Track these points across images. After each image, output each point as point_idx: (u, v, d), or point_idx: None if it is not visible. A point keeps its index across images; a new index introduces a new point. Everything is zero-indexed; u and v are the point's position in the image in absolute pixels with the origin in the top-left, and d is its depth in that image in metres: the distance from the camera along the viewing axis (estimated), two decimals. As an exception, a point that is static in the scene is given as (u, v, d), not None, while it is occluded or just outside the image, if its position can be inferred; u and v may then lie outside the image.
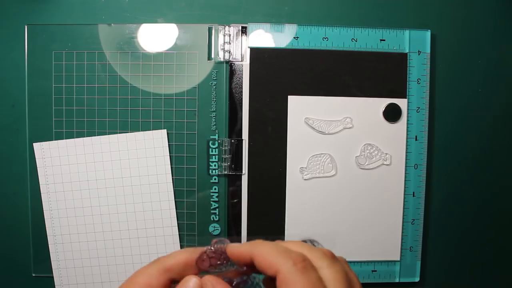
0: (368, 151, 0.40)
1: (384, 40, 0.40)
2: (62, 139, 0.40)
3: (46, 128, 0.40)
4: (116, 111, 0.40)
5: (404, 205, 0.41)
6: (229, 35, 0.40)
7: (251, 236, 0.41)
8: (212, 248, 0.25)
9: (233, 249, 0.25)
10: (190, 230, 0.41)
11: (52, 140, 0.40)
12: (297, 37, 0.40)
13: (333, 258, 0.24)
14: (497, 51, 0.42)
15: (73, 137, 0.40)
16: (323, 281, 0.23)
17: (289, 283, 0.23)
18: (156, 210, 0.41)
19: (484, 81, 0.42)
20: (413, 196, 0.41)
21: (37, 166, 0.40)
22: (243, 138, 0.40)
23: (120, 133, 0.40)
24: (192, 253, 0.26)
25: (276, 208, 0.40)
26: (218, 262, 0.25)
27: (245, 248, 0.25)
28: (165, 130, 0.40)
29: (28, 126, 0.40)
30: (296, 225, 0.41)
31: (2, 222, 0.42)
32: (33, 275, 0.41)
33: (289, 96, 0.40)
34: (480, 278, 0.44)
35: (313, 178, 0.40)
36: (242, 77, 0.40)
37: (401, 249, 0.41)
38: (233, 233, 0.41)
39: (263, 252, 0.24)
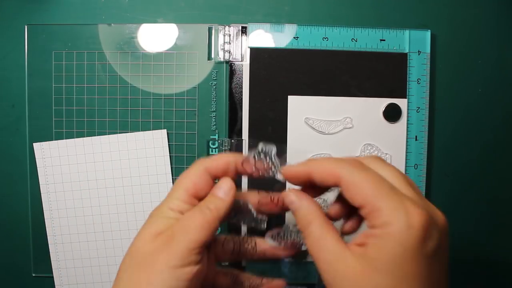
0: (368, 151, 0.40)
1: (384, 40, 0.40)
2: (62, 139, 0.40)
3: (46, 128, 0.40)
4: (116, 111, 0.40)
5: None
6: (229, 35, 0.40)
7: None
8: (259, 150, 0.27)
9: (288, 170, 0.27)
10: (190, 230, 0.41)
11: (52, 140, 0.40)
12: (297, 37, 0.40)
13: (383, 160, 0.26)
14: (497, 51, 0.42)
15: (73, 137, 0.40)
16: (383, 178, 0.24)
17: (355, 184, 0.23)
18: None
19: (484, 81, 0.42)
20: (413, 196, 0.41)
21: (37, 166, 0.40)
22: (243, 138, 0.40)
23: (120, 133, 0.40)
24: (234, 157, 0.28)
25: (276, 208, 0.40)
26: (264, 165, 0.27)
27: (300, 167, 0.26)
28: (165, 130, 0.40)
29: (28, 126, 0.40)
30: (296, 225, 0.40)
31: (2, 222, 0.42)
32: (33, 275, 0.41)
33: (289, 96, 0.40)
34: (481, 278, 0.44)
35: (313, 178, 0.40)
36: (242, 77, 0.40)
37: (401, 249, 0.41)
38: (233, 233, 0.41)
39: (321, 165, 0.25)
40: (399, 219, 0.22)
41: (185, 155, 0.41)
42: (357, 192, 0.23)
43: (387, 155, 0.40)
